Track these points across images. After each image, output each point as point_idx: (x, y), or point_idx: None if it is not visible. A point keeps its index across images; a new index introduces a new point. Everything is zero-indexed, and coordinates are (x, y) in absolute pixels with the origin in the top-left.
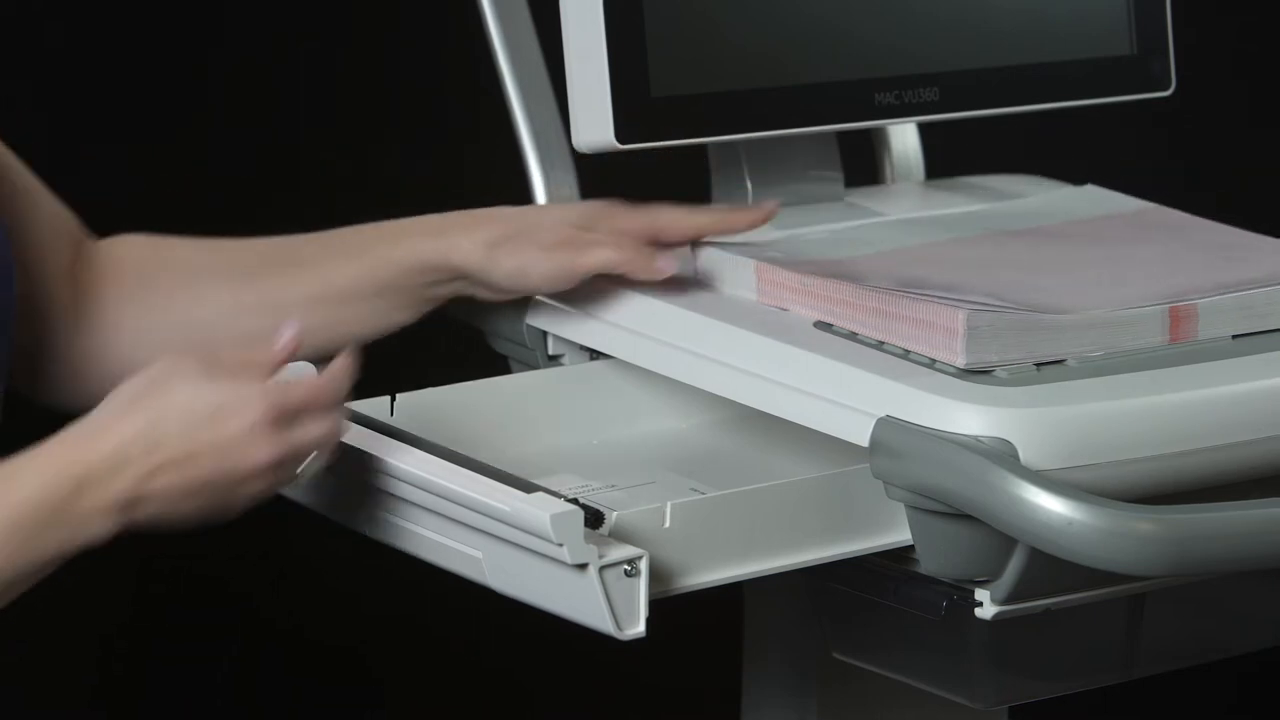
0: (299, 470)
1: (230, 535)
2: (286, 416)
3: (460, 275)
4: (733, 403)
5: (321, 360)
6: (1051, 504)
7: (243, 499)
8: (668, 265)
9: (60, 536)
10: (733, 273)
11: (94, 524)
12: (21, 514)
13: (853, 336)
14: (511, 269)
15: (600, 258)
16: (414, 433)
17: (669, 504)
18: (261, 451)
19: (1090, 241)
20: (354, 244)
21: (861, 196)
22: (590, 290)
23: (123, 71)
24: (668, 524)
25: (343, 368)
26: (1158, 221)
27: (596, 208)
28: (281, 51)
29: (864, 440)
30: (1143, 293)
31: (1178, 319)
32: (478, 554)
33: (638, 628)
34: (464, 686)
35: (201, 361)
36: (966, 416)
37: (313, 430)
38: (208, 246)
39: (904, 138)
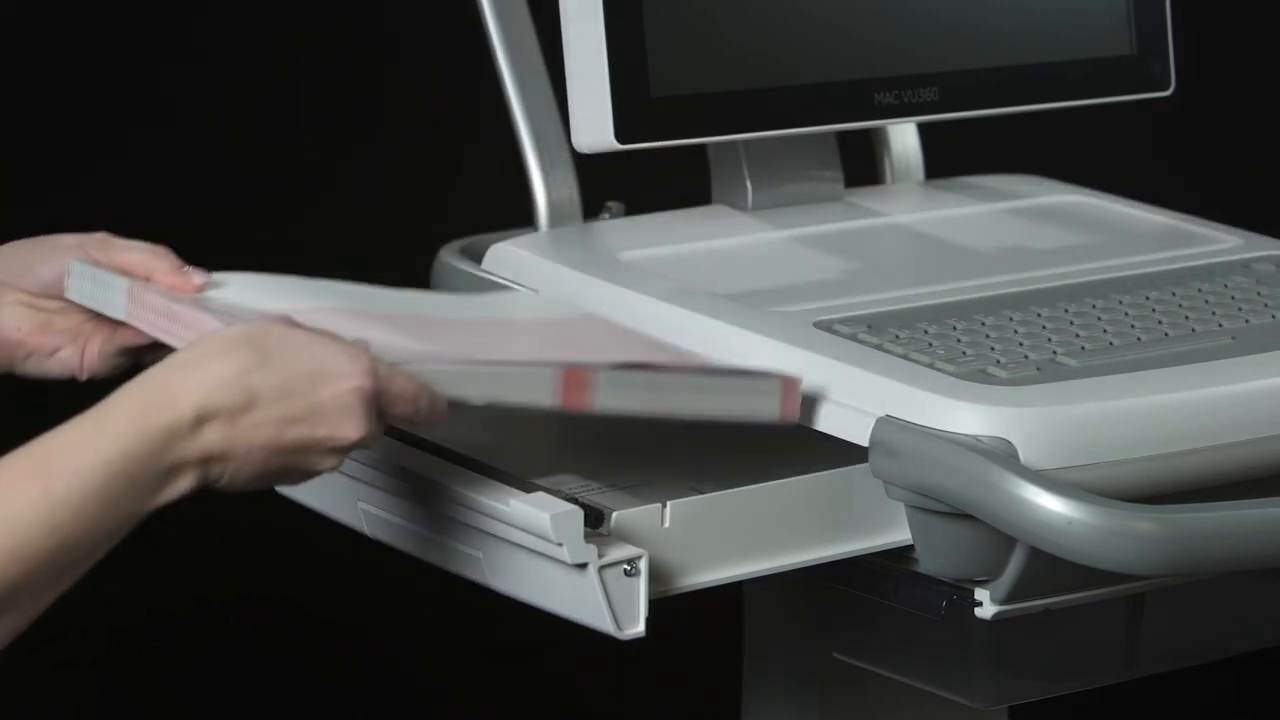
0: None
1: (228, 533)
2: (383, 399)
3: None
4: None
5: None
6: (1051, 503)
7: (311, 472)
8: (198, 276)
9: (144, 493)
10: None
11: (178, 481)
12: (112, 471)
13: (852, 337)
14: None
15: (135, 255)
16: (414, 432)
17: (668, 503)
18: (352, 428)
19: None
20: None
21: (861, 196)
22: (590, 290)
23: (120, 71)
24: (667, 523)
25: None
26: (584, 329)
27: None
28: (281, 51)
29: (864, 440)
30: (538, 357)
31: (572, 382)
32: (478, 554)
33: (637, 627)
34: (463, 687)
35: (301, 324)
36: (966, 416)
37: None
38: None
39: (904, 138)
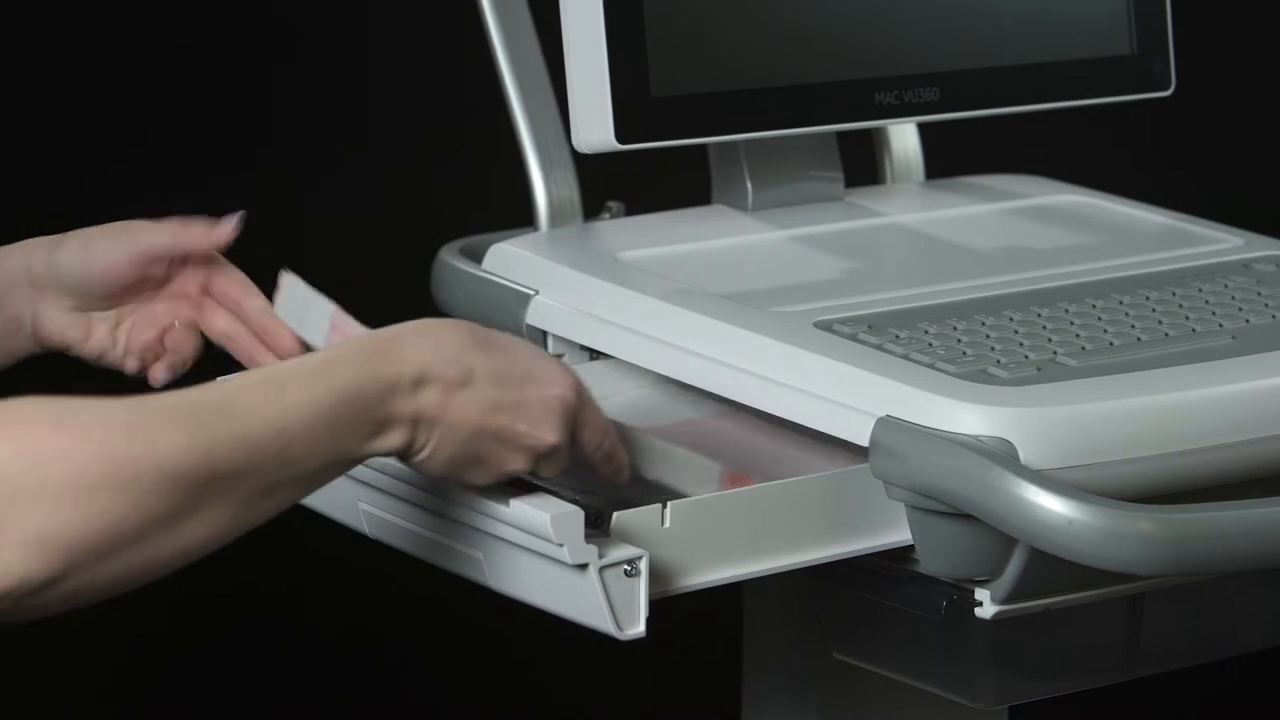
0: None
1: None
2: (578, 420)
3: (30, 280)
4: (733, 403)
5: None
6: (1051, 503)
7: (501, 469)
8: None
9: (363, 434)
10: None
11: (389, 434)
12: (338, 399)
13: (852, 337)
14: (74, 254)
15: (163, 233)
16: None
17: (668, 504)
18: (550, 431)
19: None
20: None
21: (861, 196)
22: (590, 290)
23: (120, 72)
24: (667, 524)
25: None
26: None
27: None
28: (282, 53)
29: (864, 440)
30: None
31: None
32: (478, 554)
33: (638, 628)
34: (462, 687)
35: None
36: (966, 416)
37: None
38: None
39: (904, 138)
